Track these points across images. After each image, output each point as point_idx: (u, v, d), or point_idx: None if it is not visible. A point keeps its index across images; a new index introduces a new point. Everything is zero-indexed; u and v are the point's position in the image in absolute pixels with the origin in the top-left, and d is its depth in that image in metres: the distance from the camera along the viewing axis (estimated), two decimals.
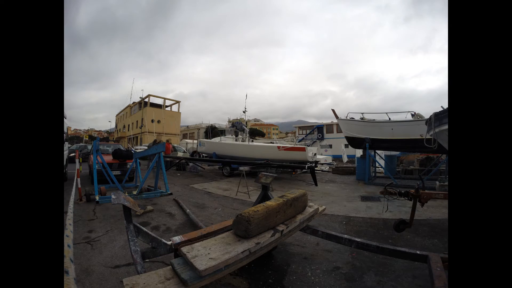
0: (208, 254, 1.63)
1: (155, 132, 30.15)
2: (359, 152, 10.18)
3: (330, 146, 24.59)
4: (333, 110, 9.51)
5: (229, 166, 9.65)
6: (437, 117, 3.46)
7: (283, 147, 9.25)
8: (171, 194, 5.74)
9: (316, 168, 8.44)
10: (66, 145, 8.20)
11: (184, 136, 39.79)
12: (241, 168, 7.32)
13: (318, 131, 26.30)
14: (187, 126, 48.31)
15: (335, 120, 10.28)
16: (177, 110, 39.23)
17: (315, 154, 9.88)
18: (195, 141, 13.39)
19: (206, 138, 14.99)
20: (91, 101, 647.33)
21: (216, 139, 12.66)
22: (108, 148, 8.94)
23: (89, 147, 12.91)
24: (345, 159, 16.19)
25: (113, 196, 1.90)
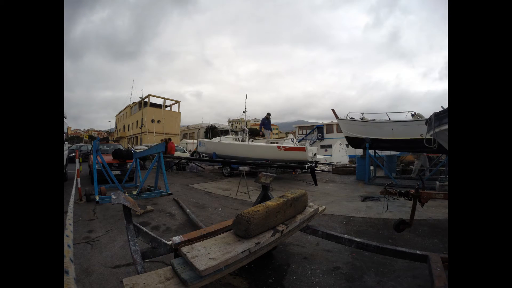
0: (208, 254, 1.63)
1: (155, 132, 30.16)
2: (359, 153, 10.17)
3: (330, 146, 24.63)
4: (333, 110, 9.50)
5: (229, 166, 9.64)
6: (437, 117, 3.46)
7: (283, 147, 9.24)
8: (171, 194, 5.74)
9: (316, 168, 8.44)
10: (66, 145, 8.20)
11: (184, 136, 39.79)
12: (241, 168, 7.32)
13: (318, 131, 26.30)
14: (187, 126, 48.32)
15: (334, 120, 10.27)
16: (177, 110, 39.24)
17: (315, 154, 9.87)
18: (195, 141, 13.42)
19: (206, 138, 15.03)
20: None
21: (216, 139, 12.64)
22: (108, 148, 8.95)
23: (89, 146, 12.93)
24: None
25: (113, 196, 1.90)
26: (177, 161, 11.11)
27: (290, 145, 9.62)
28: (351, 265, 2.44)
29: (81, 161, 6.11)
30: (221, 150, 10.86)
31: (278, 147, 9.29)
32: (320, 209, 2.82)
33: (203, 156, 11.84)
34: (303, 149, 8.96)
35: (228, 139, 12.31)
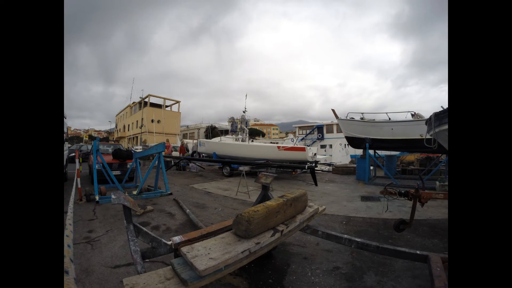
0: (208, 254, 1.63)
1: (155, 132, 30.14)
2: (359, 153, 10.19)
3: (330, 146, 24.63)
4: (333, 110, 9.51)
5: (229, 166, 9.67)
6: (437, 117, 3.46)
7: (283, 147, 9.30)
8: (171, 194, 5.74)
9: (316, 168, 8.47)
10: (66, 145, 8.20)
11: (184, 136, 39.80)
12: (241, 168, 7.34)
13: (318, 131, 26.32)
14: (187, 126, 48.34)
15: (334, 120, 10.29)
16: (177, 110, 39.26)
17: (315, 154, 9.91)
18: (195, 141, 13.58)
19: (206, 138, 15.20)
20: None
21: (216, 139, 12.66)
22: (108, 148, 8.94)
23: (89, 146, 12.95)
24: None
25: (113, 196, 1.90)
26: (177, 161, 11.16)
27: (290, 145, 9.65)
28: (351, 265, 2.44)
29: (81, 161, 6.11)
30: (221, 150, 10.89)
31: (278, 147, 9.33)
32: (320, 209, 2.82)
33: (203, 156, 11.87)
34: (303, 149, 9.02)
35: (228, 139, 12.32)
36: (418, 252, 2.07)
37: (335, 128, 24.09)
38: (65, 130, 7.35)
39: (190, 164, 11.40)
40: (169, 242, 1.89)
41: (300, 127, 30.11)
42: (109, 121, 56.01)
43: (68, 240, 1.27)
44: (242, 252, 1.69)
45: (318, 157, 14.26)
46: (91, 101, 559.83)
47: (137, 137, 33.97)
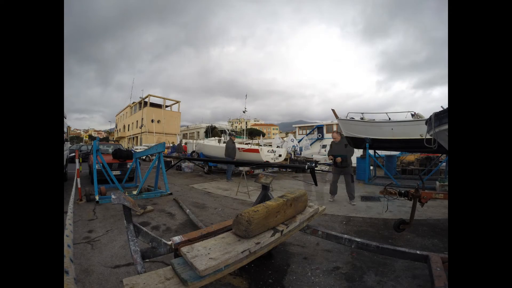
0: (208, 254, 1.63)
1: (155, 132, 30.16)
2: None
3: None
4: (333, 110, 9.51)
5: (207, 165, 10.66)
6: (437, 117, 3.46)
7: (242, 148, 9.85)
8: (171, 194, 5.74)
9: (316, 168, 8.51)
10: (67, 145, 8.19)
11: (184, 136, 39.81)
12: (241, 168, 7.42)
13: (318, 131, 26.31)
14: (187, 126, 48.40)
15: (334, 120, 10.31)
16: (177, 110, 39.30)
17: (280, 155, 10.23)
18: (194, 141, 14.20)
19: (206, 138, 15.79)
20: None
21: (200, 141, 13.62)
22: (108, 148, 8.95)
23: (89, 147, 13.01)
24: None
25: (113, 196, 1.90)
26: (177, 161, 11.30)
27: (247, 147, 10.25)
28: (351, 265, 2.44)
29: (81, 161, 6.10)
30: (205, 151, 11.93)
31: (239, 148, 9.83)
32: (320, 209, 2.82)
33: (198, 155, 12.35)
34: (257, 151, 9.57)
35: (211, 141, 13.01)
36: (418, 252, 2.07)
37: (335, 128, 24.08)
38: (65, 130, 7.34)
39: (190, 164, 11.63)
40: (169, 242, 1.89)
41: (300, 127, 30.08)
42: (109, 121, 56.06)
43: (68, 240, 1.27)
44: (242, 252, 1.69)
45: (318, 157, 14.39)
46: (90, 102, 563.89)
47: (137, 137, 33.99)
